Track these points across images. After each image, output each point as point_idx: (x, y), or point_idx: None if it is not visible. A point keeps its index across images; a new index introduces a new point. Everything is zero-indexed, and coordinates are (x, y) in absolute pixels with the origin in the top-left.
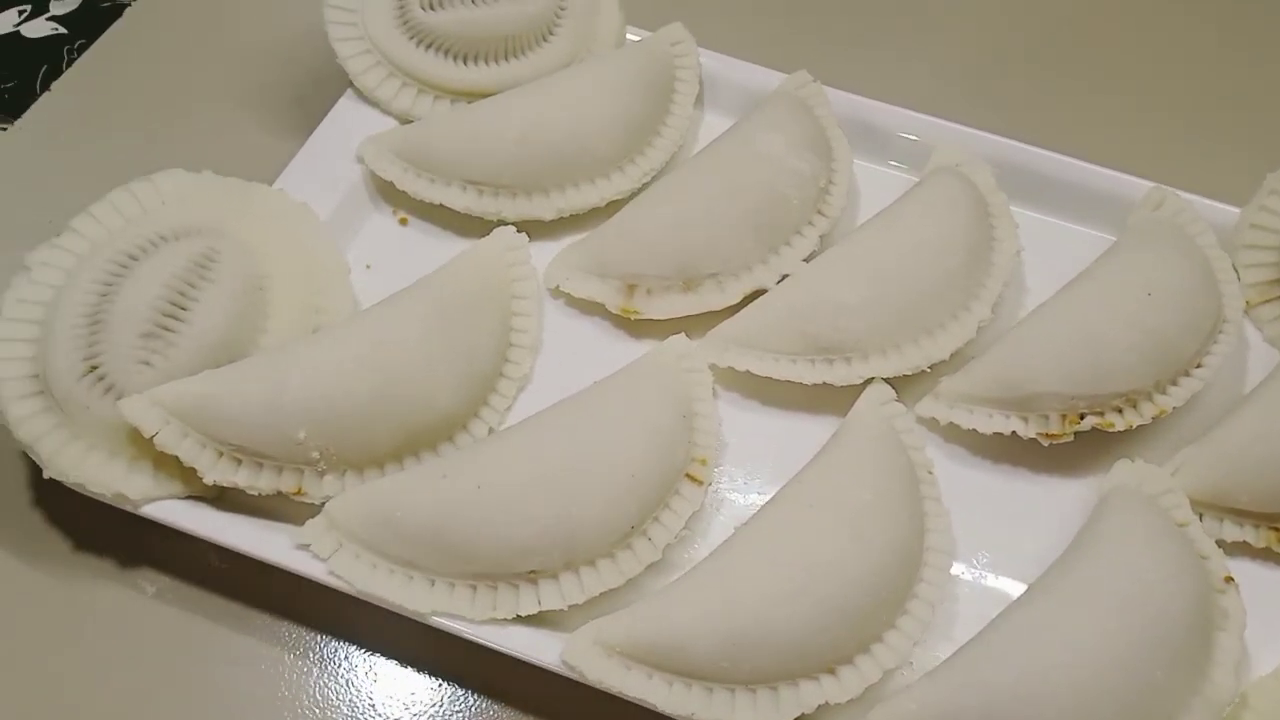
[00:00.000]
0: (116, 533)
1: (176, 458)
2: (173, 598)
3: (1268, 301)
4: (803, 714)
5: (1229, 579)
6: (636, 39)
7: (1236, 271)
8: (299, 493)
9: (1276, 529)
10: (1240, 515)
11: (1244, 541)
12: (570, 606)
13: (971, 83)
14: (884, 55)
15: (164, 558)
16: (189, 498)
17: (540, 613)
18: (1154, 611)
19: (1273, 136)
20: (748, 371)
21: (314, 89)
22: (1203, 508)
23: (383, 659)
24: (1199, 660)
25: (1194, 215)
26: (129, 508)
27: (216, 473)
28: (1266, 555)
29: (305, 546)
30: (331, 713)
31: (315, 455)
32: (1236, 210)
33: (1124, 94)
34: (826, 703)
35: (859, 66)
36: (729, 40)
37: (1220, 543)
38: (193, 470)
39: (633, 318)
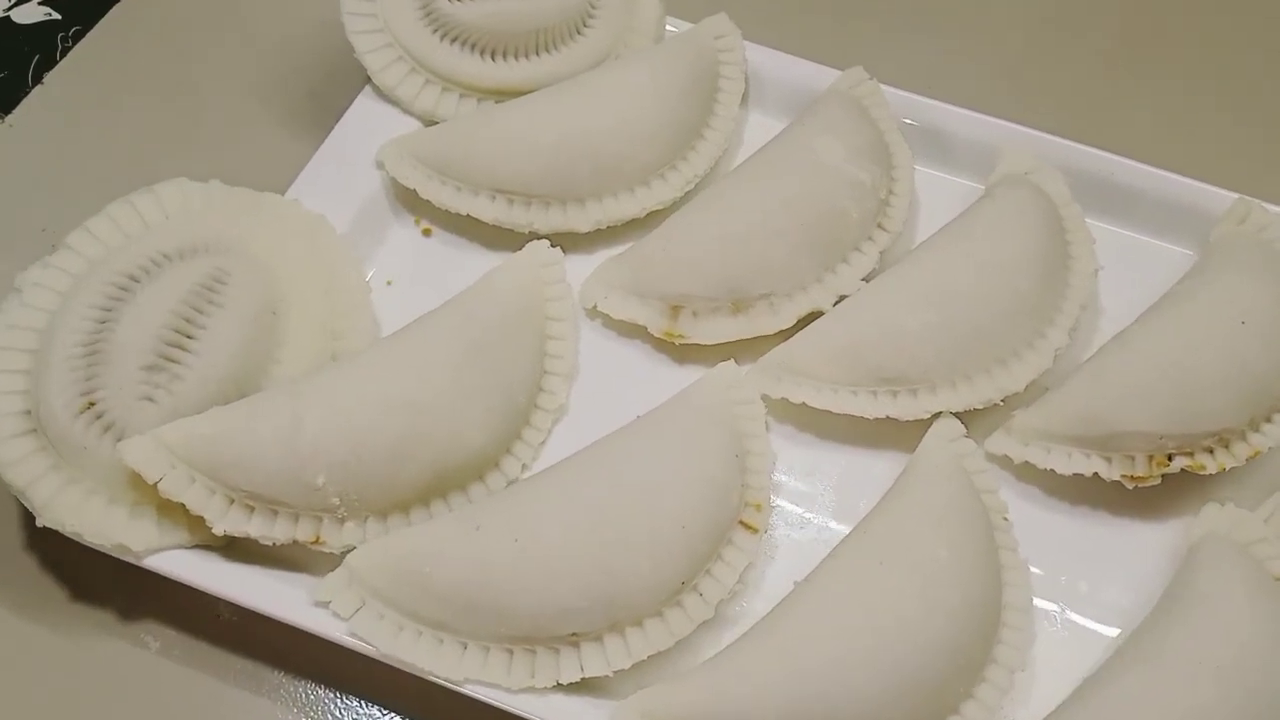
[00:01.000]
0: (117, 581)
1: (182, 505)
2: (179, 654)
3: None
4: None
5: None
6: (676, 31)
7: None
8: (317, 542)
9: None
10: None
11: None
12: (616, 672)
13: (1038, 81)
14: (942, 49)
15: (169, 610)
16: (196, 547)
17: (583, 679)
18: (1253, 681)
19: None
20: (803, 403)
21: (330, 86)
22: None
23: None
24: None
25: None
26: (131, 559)
27: (227, 522)
28: None
29: (325, 604)
30: None
31: (335, 501)
32: None
33: (1204, 95)
34: None
35: (916, 62)
36: (776, 33)
37: None
38: (200, 519)
39: (677, 342)
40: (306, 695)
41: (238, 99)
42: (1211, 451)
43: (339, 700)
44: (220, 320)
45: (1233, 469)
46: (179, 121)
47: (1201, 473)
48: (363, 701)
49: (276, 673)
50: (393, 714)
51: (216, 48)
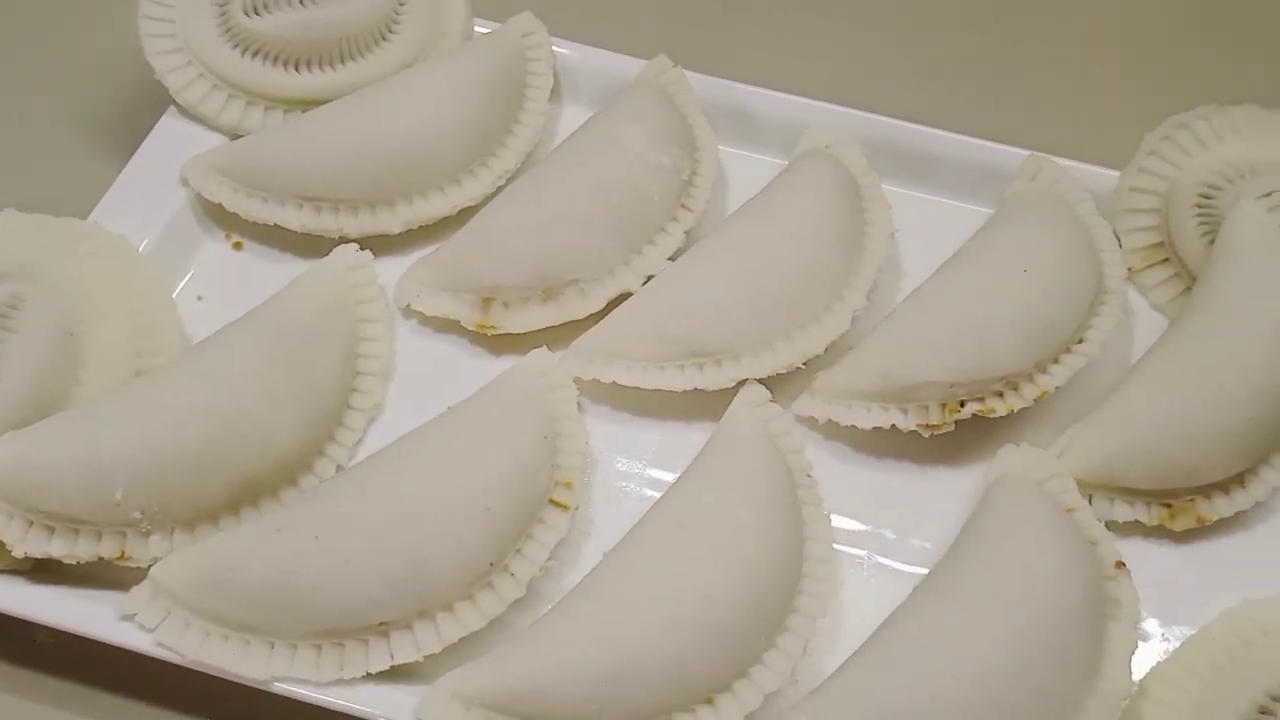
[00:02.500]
0: None
1: None
2: (3, 684)
3: (1151, 266)
4: None
5: (1120, 564)
6: (486, 31)
7: (1118, 238)
8: (123, 557)
9: (1168, 505)
10: (1131, 494)
11: (1136, 521)
12: (427, 657)
13: (841, 61)
14: (749, 36)
15: None
16: (2, 572)
17: (395, 667)
18: (1041, 611)
19: (1148, 97)
20: (613, 382)
21: (136, 108)
22: (1092, 489)
23: None
24: (1091, 655)
25: (1072, 183)
26: None
27: (28, 543)
28: (1160, 533)
29: (130, 617)
30: None
31: (137, 515)
32: (1115, 174)
33: (995, 62)
34: None
35: (724, 49)
36: (585, 28)
37: (1111, 524)
38: (1, 544)
39: (490, 333)
40: (134, 712)
41: (37, 125)
42: (1001, 395)
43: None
44: (13, 346)
45: (1025, 411)
46: None
47: (992, 416)
48: (191, 716)
49: (101, 693)
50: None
51: (13, 72)
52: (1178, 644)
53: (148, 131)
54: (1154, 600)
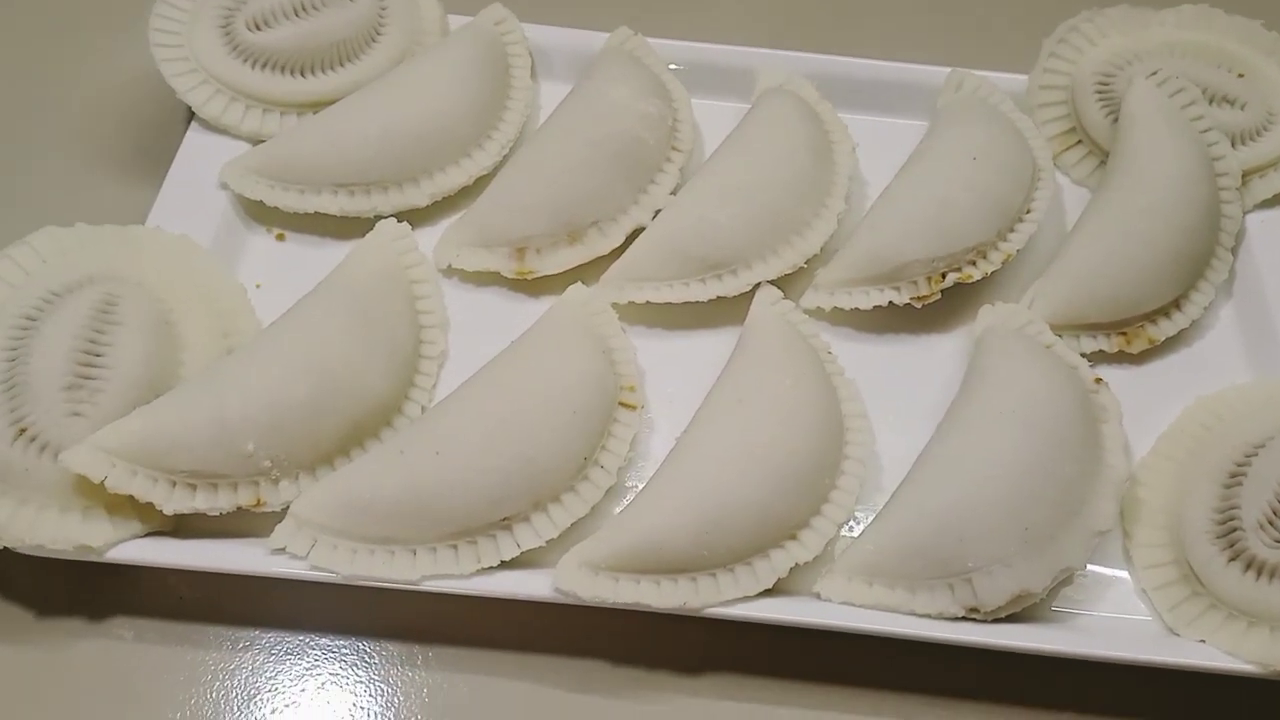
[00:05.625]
0: (74, 592)
1: (130, 497)
2: (155, 636)
3: (1068, 149)
4: (778, 579)
5: (1099, 380)
6: (460, 24)
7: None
8: (259, 504)
9: (1124, 334)
10: (1092, 328)
11: (1100, 350)
12: (548, 542)
13: (779, 12)
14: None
15: (134, 602)
16: (150, 534)
17: (521, 555)
18: (1048, 415)
19: (1040, 9)
20: (647, 302)
21: (154, 132)
22: (1060, 329)
23: (370, 642)
24: (1093, 450)
25: (991, 88)
26: (94, 557)
27: (175, 502)
28: (1120, 358)
29: (281, 550)
30: (338, 706)
31: (267, 464)
32: (1024, 78)
33: None
34: (797, 564)
35: (673, 15)
36: (547, 10)
37: (1081, 355)
38: (149, 506)
39: (529, 278)
40: (279, 643)
41: (68, 156)
42: (975, 263)
43: (312, 640)
44: (123, 335)
45: (994, 275)
46: (14, 184)
47: (970, 281)
48: (331, 636)
49: (246, 629)
50: (353, 638)
51: (39, 108)
52: (1153, 440)
53: (170, 153)
54: (1127, 412)
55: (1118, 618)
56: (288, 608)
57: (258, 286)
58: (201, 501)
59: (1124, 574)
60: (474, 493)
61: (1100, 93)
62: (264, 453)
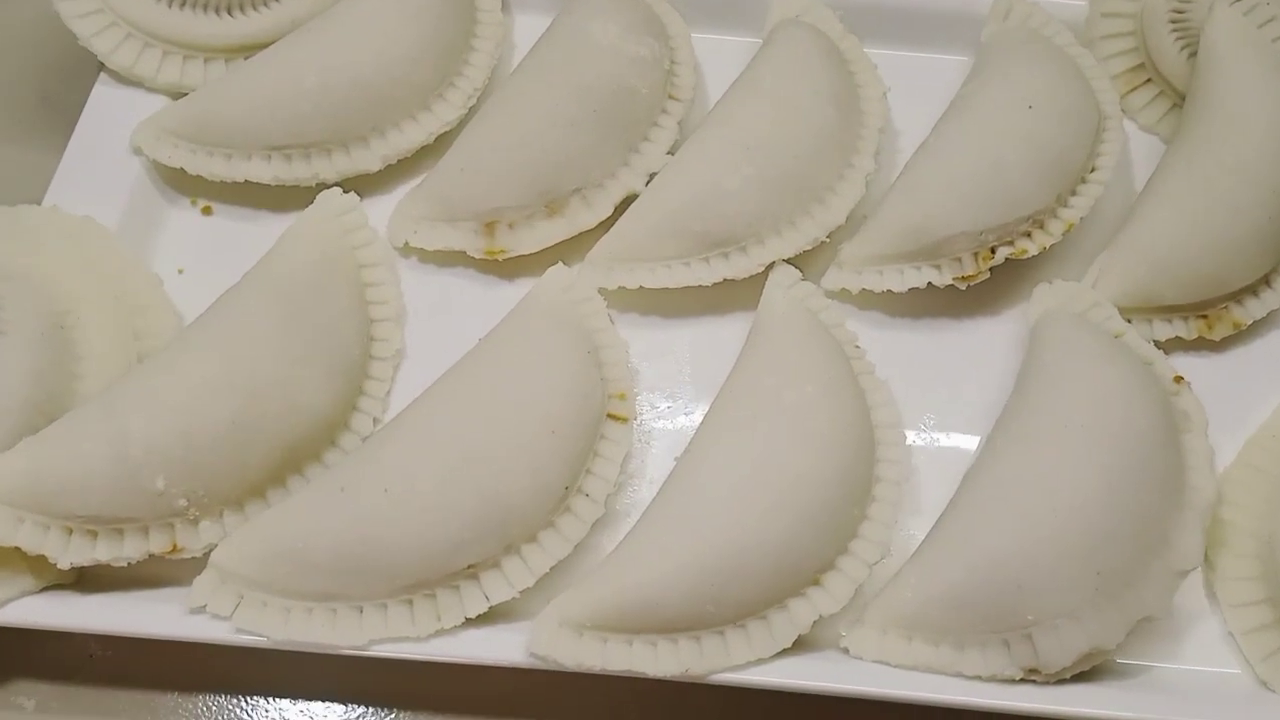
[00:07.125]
0: None
1: (18, 549)
2: (58, 705)
3: (1135, 89)
4: (799, 635)
5: (1179, 379)
6: None
7: None
8: (175, 550)
9: (1204, 317)
10: (1167, 311)
11: (1176, 337)
12: (522, 593)
13: None
14: None
15: (37, 664)
16: (47, 589)
17: (491, 609)
18: (1120, 435)
19: None
20: (640, 287)
21: (61, 83)
22: (1130, 313)
23: (320, 703)
24: (1175, 470)
25: (1045, 16)
26: None
27: (71, 554)
28: (1201, 345)
29: (200, 609)
30: None
31: (183, 503)
32: (1084, 3)
33: None
34: (821, 616)
35: None
36: None
37: (1155, 344)
38: (42, 558)
39: (500, 258)
40: (205, 708)
41: None
42: (1030, 235)
43: (242, 701)
44: (3, 347)
45: (1053, 248)
46: None
47: (1024, 257)
48: (266, 696)
49: (168, 694)
50: (300, 699)
51: None
52: (1238, 447)
53: (80, 104)
54: (1206, 410)
55: (1199, 670)
56: (220, 665)
57: (180, 272)
58: (104, 551)
59: (1206, 612)
60: (431, 537)
61: (1175, 23)
62: (177, 490)
